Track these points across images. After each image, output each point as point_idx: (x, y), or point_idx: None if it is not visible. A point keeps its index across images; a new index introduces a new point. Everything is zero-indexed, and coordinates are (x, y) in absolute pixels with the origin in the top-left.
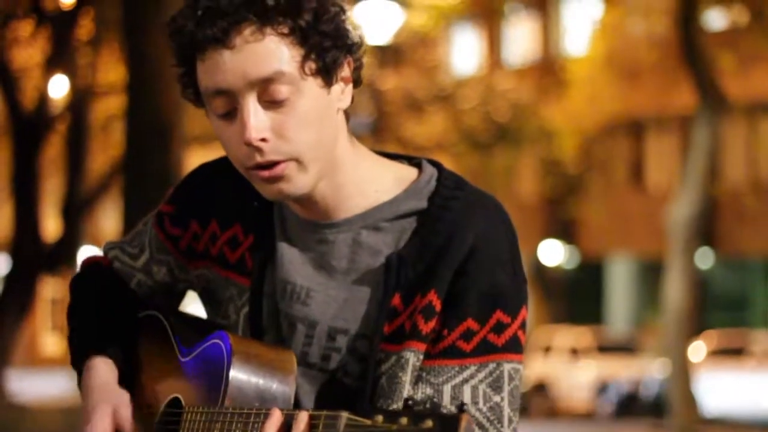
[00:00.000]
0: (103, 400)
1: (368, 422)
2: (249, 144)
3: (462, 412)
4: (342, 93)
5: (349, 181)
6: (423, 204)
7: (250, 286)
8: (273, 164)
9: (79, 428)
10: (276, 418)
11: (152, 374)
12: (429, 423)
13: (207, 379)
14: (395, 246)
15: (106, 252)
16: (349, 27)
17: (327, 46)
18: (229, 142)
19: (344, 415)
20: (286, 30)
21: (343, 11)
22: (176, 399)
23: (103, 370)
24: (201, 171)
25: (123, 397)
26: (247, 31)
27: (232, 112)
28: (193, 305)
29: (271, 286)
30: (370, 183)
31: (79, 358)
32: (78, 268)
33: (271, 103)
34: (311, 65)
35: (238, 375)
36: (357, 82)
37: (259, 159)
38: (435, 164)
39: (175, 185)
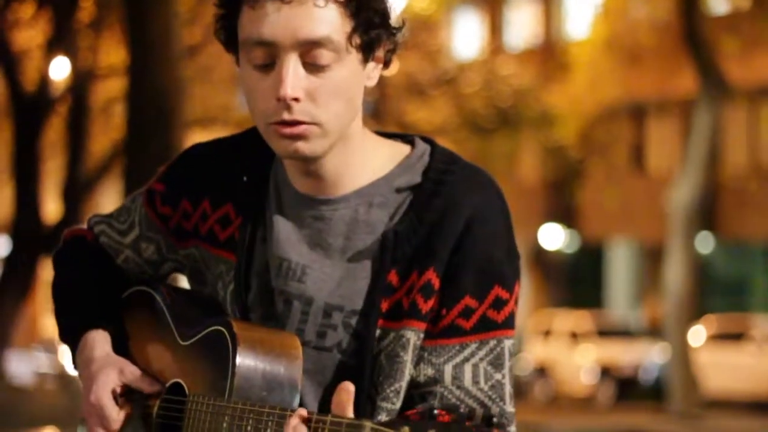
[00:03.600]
0: (105, 365)
1: None
2: (282, 100)
3: (491, 427)
4: (372, 71)
5: (354, 157)
6: (417, 179)
7: (235, 262)
8: (296, 123)
9: (82, 400)
10: (298, 421)
11: (147, 356)
12: None
13: (211, 366)
14: (390, 221)
15: (91, 226)
16: (392, 10)
17: (375, 23)
18: (257, 94)
19: (368, 424)
20: None
21: None
22: (177, 384)
23: (101, 342)
24: (194, 150)
25: (125, 361)
26: None
27: (270, 65)
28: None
29: (262, 263)
30: (369, 161)
31: (72, 334)
32: (60, 241)
33: (311, 65)
34: (357, 39)
35: (245, 362)
36: (387, 63)
37: (286, 116)
38: (427, 140)
39: (166, 164)
